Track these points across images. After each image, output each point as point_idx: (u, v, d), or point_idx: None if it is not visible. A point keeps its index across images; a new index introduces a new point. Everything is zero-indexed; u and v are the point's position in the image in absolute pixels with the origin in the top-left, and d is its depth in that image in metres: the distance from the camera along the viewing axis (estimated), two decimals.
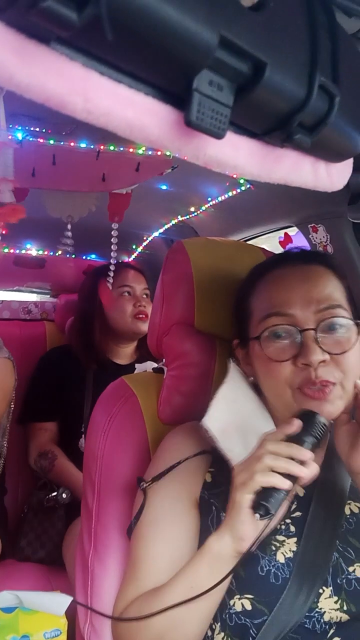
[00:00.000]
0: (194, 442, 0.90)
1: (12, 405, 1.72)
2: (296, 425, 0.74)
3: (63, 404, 1.91)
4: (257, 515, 0.71)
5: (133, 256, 2.36)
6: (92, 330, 1.92)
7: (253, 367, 0.90)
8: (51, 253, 2.23)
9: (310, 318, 0.83)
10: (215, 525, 0.84)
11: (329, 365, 0.81)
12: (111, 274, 1.85)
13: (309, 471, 0.72)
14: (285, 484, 0.70)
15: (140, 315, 1.90)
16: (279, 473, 0.71)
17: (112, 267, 1.85)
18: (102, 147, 1.26)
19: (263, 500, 0.70)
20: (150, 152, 1.29)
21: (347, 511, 0.87)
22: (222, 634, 0.81)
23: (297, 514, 0.86)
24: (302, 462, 0.72)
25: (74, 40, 0.39)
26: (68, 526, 1.69)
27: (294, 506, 0.86)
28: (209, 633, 0.82)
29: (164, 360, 1.13)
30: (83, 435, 1.83)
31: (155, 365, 1.28)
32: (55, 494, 1.67)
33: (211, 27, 0.41)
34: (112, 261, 1.81)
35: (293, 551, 0.82)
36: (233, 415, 0.87)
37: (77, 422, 1.87)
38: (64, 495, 1.66)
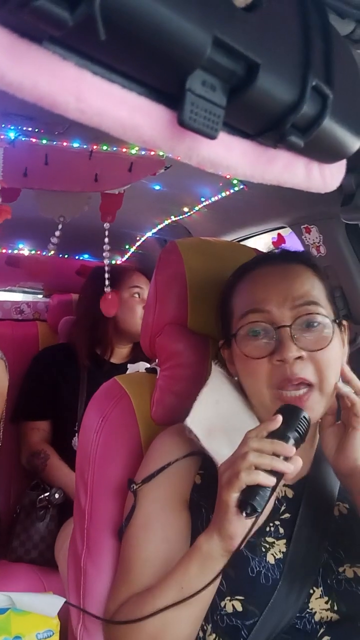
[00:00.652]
0: (184, 443, 0.90)
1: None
2: (278, 421, 0.73)
3: (56, 402, 1.90)
4: (244, 514, 0.71)
5: (126, 256, 2.35)
6: (105, 329, 1.92)
7: (235, 366, 0.90)
8: (43, 253, 2.22)
9: (286, 315, 0.83)
10: (205, 527, 0.84)
11: (305, 362, 0.81)
12: (107, 275, 1.85)
13: (294, 467, 0.71)
14: (270, 481, 0.70)
15: None
16: (264, 470, 0.70)
17: (107, 268, 1.85)
18: (94, 147, 1.26)
19: (249, 499, 0.70)
20: (143, 152, 1.29)
21: (336, 512, 0.87)
22: (214, 635, 0.81)
23: (286, 515, 0.86)
24: (286, 458, 0.71)
25: (66, 39, 0.38)
26: (60, 527, 1.68)
27: (283, 508, 0.86)
28: (201, 634, 0.82)
29: (157, 360, 1.13)
30: (77, 434, 1.83)
31: (148, 365, 1.28)
32: (47, 494, 1.67)
33: (204, 28, 0.41)
34: (105, 261, 1.81)
35: (283, 552, 0.82)
36: (217, 417, 0.87)
37: (70, 420, 1.86)
38: (56, 496, 1.66)
